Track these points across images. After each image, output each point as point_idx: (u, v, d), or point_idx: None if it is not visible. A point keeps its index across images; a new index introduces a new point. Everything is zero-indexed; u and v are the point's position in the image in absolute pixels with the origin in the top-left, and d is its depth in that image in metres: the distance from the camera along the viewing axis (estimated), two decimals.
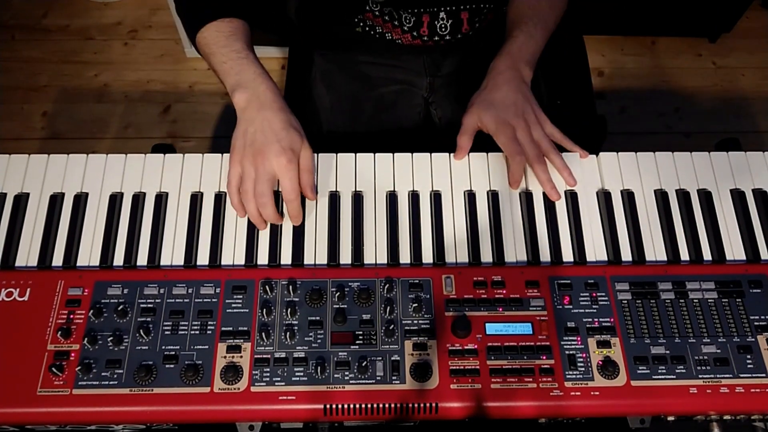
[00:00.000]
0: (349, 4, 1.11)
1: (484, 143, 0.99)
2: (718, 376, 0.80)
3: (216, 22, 0.98)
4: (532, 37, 1.03)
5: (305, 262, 0.89)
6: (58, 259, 0.88)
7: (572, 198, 0.94)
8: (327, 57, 1.26)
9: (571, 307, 0.84)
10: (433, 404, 0.78)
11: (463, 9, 1.12)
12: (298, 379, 0.79)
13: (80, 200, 0.92)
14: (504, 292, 0.85)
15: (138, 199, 0.93)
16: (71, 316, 0.82)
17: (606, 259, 0.90)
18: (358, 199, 0.94)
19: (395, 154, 0.98)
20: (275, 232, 0.91)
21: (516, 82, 0.98)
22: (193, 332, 0.81)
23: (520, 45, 1.02)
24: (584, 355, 0.81)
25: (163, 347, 0.80)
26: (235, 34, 0.98)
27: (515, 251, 0.90)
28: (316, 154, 0.95)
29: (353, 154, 0.98)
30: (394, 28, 1.14)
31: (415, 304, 0.82)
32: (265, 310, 0.82)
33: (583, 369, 0.80)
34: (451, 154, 0.98)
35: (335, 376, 0.79)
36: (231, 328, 0.82)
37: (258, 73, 0.94)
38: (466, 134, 0.97)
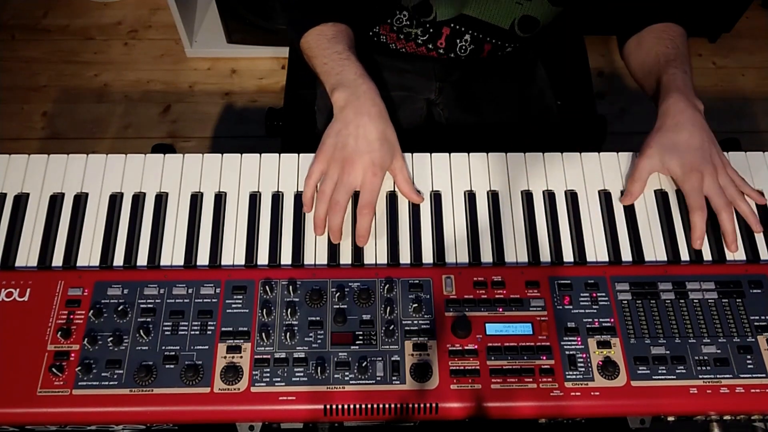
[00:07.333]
0: (375, 14, 1.10)
1: (484, 143, 0.99)
2: (718, 376, 0.80)
3: (319, 27, 0.98)
4: (687, 74, 0.97)
5: (305, 262, 0.89)
6: (58, 260, 0.88)
7: (572, 198, 0.94)
8: None
9: (571, 307, 0.84)
10: (433, 404, 0.78)
11: (487, 41, 1.11)
12: (298, 379, 0.79)
13: (80, 200, 0.92)
14: (504, 292, 0.84)
15: (138, 199, 0.93)
16: (71, 317, 0.82)
17: (606, 259, 0.90)
18: (358, 198, 0.93)
19: None
20: (275, 232, 0.91)
21: (699, 120, 0.92)
22: (193, 332, 0.81)
23: (684, 81, 0.95)
24: (584, 355, 0.81)
25: (163, 347, 0.80)
26: (337, 37, 0.97)
27: (515, 251, 0.90)
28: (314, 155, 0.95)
29: None
30: (408, 42, 1.13)
31: (415, 305, 0.82)
32: (265, 310, 0.82)
33: (583, 369, 0.80)
34: (451, 154, 0.97)
35: (335, 376, 0.79)
36: (231, 329, 0.82)
37: (359, 74, 0.93)
38: (641, 181, 0.92)
